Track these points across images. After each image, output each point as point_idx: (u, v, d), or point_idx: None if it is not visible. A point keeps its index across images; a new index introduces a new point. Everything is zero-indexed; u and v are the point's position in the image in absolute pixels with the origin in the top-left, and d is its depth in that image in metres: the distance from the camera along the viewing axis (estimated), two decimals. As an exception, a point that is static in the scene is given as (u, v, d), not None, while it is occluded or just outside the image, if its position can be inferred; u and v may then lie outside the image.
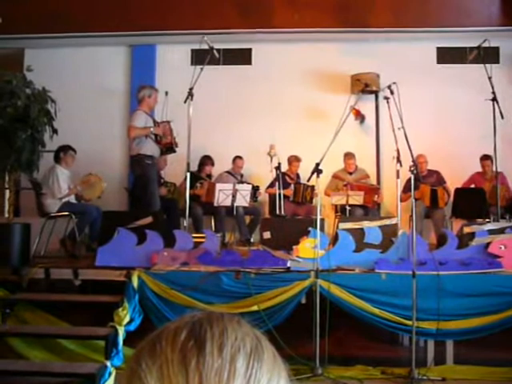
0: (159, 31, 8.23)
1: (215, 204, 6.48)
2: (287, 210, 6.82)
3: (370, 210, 7.22)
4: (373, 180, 8.01)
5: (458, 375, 4.24)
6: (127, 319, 4.14)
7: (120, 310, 4.17)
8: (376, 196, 7.24)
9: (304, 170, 6.61)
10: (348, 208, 6.70)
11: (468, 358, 4.41)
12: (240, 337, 0.65)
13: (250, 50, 8.75)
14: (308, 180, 4.46)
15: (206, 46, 5.99)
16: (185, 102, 5.70)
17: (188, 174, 5.89)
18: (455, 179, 7.67)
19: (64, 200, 6.23)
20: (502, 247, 4.53)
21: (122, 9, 8.11)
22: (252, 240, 6.93)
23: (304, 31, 8.36)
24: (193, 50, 8.32)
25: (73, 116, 7.76)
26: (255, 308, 4.25)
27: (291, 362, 4.24)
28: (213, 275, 4.37)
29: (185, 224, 6.12)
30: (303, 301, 4.37)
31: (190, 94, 5.67)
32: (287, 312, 4.29)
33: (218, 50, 6.94)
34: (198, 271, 4.46)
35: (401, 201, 6.23)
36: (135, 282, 4.37)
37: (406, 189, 6.56)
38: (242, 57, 8.75)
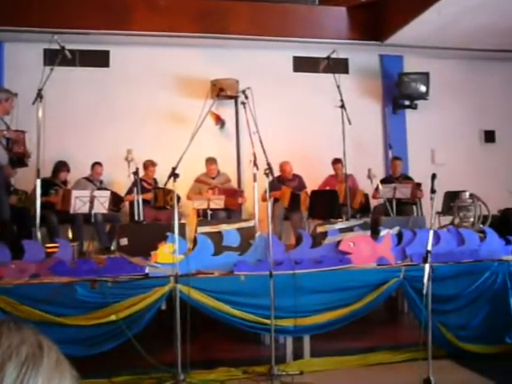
0: (6, 27, 7.67)
1: (71, 211, 6.19)
2: (148, 216, 6.71)
3: (233, 212, 7.36)
4: (234, 183, 8.18)
5: (315, 367, 4.43)
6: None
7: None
8: (240, 199, 7.41)
9: (163, 175, 6.56)
10: (210, 212, 6.76)
11: (323, 350, 4.62)
12: (15, 344, 0.61)
13: (107, 52, 8.50)
14: (165, 184, 4.41)
15: (57, 46, 5.68)
16: (33, 103, 5.37)
17: (38, 181, 5.52)
18: (312, 182, 8.09)
19: None
20: (352, 244, 4.82)
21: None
22: (112, 248, 6.71)
23: (164, 35, 8.30)
24: (45, 50, 7.88)
25: None
26: (113, 318, 4.10)
27: (153, 371, 4.16)
28: (67, 286, 4.14)
29: (38, 234, 5.75)
30: (163, 307, 4.30)
31: (39, 96, 5.34)
32: (147, 320, 4.18)
33: (74, 51, 6.62)
34: (51, 283, 4.20)
35: (263, 201, 6.44)
36: (-22, 299, 4.00)
37: (270, 189, 6.79)
38: (100, 59, 8.47)
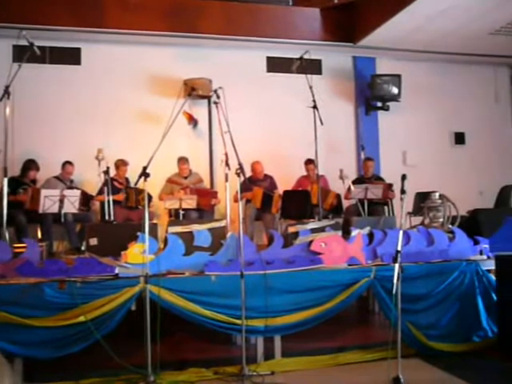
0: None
1: (40, 211, 6.08)
2: (119, 216, 6.64)
3: (206, 213, 7.32)
4: (206, 183, 8.15)
5: (286, 367, 4.44)
6: None
7: None
8: (214, 200, 7.39)
9: (135, 174, 6.52)
10: (182, 212, 6.72)
11: (294, 350, 4.64)
12: None
13: (78, 49, 8.38)
14: (135, 184, 4.37)
15: (25, 42, 5.57)
16: (0, 100, 5.26)
17: (6, 180, 5.40)
18: (284, 182, 8.11)
19: None
20: (323, 245, 4.84)
21: None
22: (83, 248, 6.62)
23: (137, 33, 8.23)
24: (15, 46, 7.73)
25: None
26: (82, 319, 4.04)
27: (123, 372, 4.11)
28: (34, 287, 4.07)
29: (5, 233, 5.64)
30: (133, 308, 4.26)
31: (7, 93, 5.24)
32: (116, 320, 4.13)
33: (43, 48, 6.50)
34: (18, 284, 4.11)
35: (235, 201, 6.43)
36: None
37: (242, 190, 6.78)
38: (71, 56, 8.34)
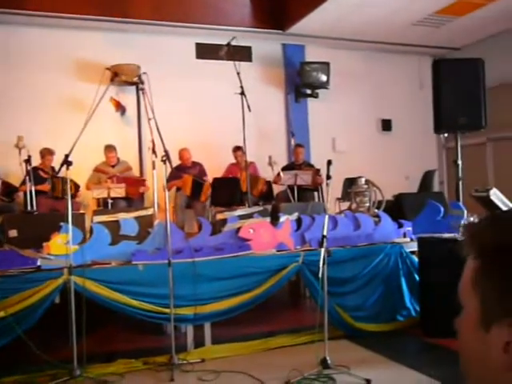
0: None
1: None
2: (44, 206, 6.40)
3: (135, 201, 7.19)
4: (136, 172, 8.00)
5: (216, 354, 4.45)
6: None
7: None
8: (142, 188, 7.26)
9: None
10: (110, 201, 6.56)
11: (224, 336, 4.65)
12: None
13: (-3, 32, 7.96)
14: (57, 173, 4.22)
15: None
16: None
17: None
18: (215, 170, 8.08)
19: None
20: (251, 231, 4.86)
21: None
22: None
23: (61, 17, 7.90)
24: None
25: None
26: (2, 314, 3.88)
27: (48, 367, 3.99)
28: None
29: None
30: (57, 300, 4.13)
31: None
32: (39, 314, 3.99)
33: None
34: None
35: (164, 190, 6.33)
36: None
37: (170, 178, 6.71)
38: (-13, 39, 7.92)
